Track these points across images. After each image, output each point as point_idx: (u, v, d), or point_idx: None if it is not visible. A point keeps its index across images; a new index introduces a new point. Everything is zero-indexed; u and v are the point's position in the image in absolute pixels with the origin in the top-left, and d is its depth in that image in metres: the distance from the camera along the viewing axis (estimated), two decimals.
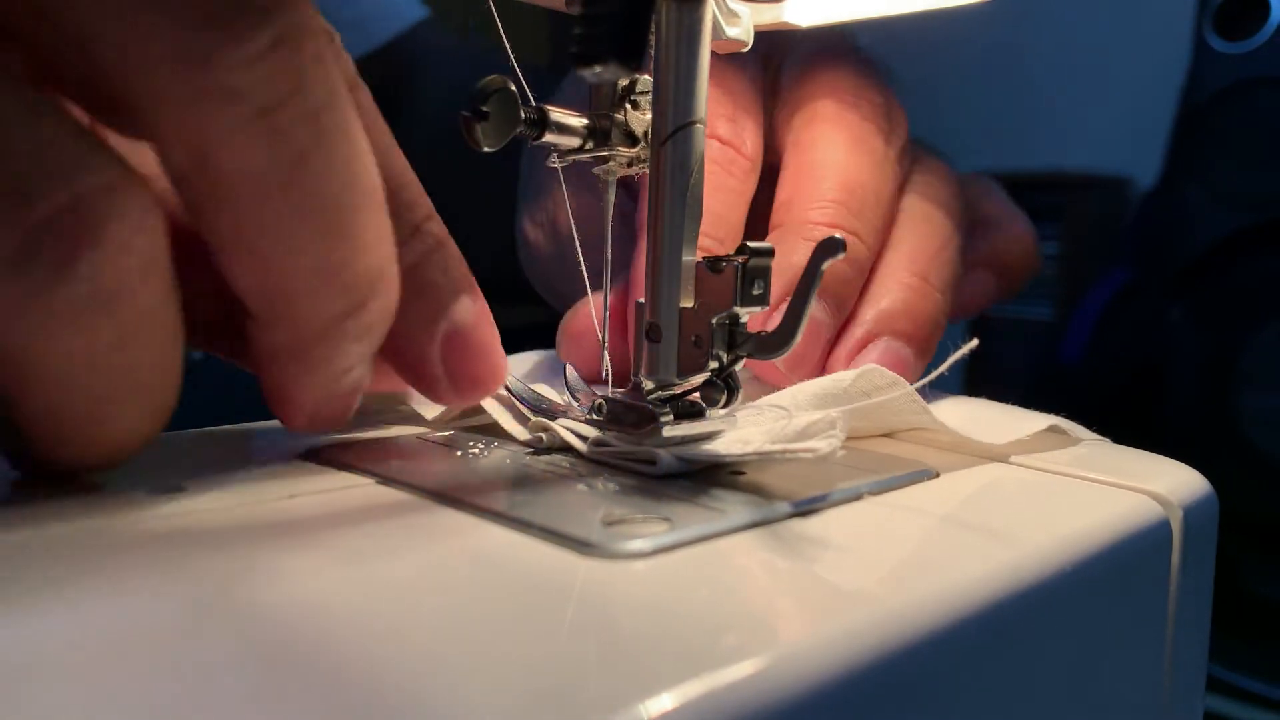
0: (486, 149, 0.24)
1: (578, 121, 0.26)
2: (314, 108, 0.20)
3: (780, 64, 0.42)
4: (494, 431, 0.29)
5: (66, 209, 0.18)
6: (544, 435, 0.27)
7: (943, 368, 0.25)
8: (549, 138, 0.26)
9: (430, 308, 0.25)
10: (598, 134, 0.27)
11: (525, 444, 0.27)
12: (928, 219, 0.38)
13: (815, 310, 0.33)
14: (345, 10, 0.57)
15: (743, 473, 0.25)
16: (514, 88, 0.24)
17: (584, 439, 0.26)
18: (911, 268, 0.36)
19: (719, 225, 0.36)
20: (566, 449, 0.27)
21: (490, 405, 0.28)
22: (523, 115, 0.25)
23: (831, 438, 0.23)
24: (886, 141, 0.38)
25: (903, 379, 0.27)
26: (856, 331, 0.34)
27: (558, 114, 0.26)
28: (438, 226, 0.25)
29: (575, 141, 0.26)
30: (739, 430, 0.26)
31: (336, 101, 0.20)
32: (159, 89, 0.19)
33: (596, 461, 0.26)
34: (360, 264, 0.21)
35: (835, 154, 0.37)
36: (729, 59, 0.37)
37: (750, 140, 0.38)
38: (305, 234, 0.20)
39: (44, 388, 0.20)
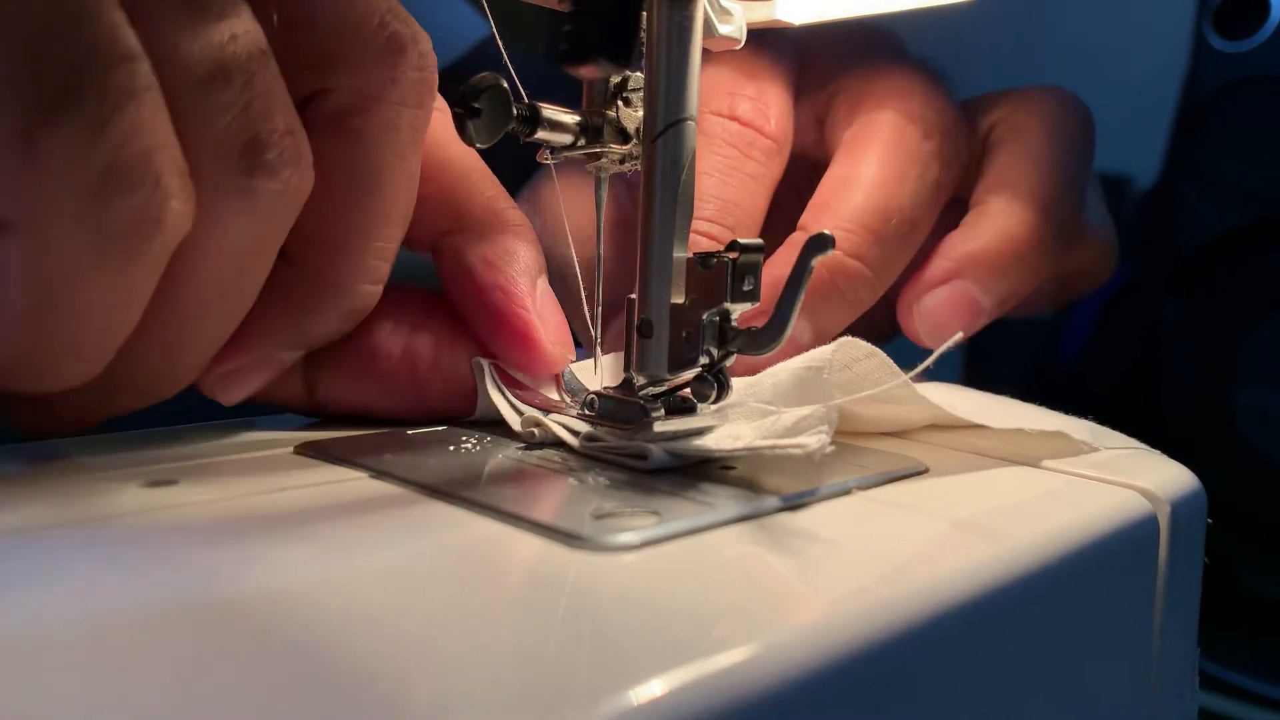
0: (479, 146, 0.25)
1: (570, 118, 0.26)
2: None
3: (824, 52, 0.39)
4: (486, 427, 0.29)
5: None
6: (536, 430, 0.27)
7: (928, 361, 0.25)
8: (541, 134, 0.26)
9: (529, 267, 0.29)
10: (590, 131, 0.27)
11: (518, 439, 0.28)
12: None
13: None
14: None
15: (733, 468, 0.25)
16: (505, 84, 0.25)
17: (576, 434, 0.27)
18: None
19: (730, 212, 0.34)
20: (558, 444, 0.27)
21: (494, 395, 0.28)
22: (515, 112, 0.25)
23: (820, 433, 0.23)
24: (943, 164, 0.36)
25: (879, 350, 0.26)
26: None
27: (550, 111, 0.26)
28: (518, 213, 0.29)
29: (567, 138, 0.26)
30: (730, 425, 0.26)
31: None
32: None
33: (588, 456, 0.26)
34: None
35: (879, 172, 0.35)
36: (758, 44, 0.36)
37: (776, 119, 0.36)
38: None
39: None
